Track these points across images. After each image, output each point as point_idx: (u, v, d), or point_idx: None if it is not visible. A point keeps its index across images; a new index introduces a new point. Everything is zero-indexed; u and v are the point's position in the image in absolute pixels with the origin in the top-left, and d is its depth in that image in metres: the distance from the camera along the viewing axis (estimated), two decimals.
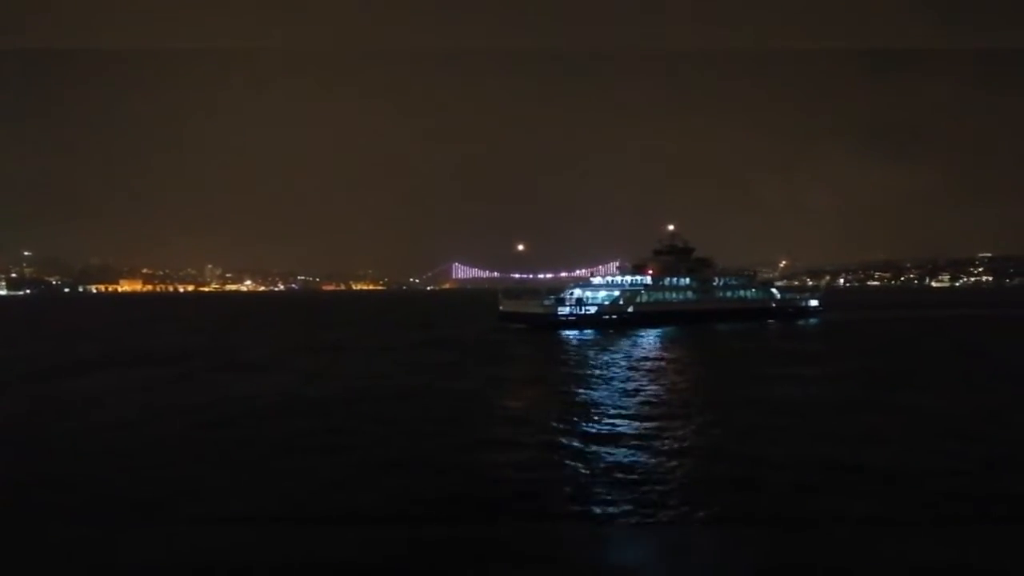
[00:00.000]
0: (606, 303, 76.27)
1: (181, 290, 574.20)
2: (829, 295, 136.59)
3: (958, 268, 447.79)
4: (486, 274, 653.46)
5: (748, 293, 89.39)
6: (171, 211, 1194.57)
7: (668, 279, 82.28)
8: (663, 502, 15.32)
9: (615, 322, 74.56)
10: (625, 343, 56.11)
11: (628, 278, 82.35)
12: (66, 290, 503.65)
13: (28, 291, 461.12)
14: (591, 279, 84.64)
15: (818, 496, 15.68)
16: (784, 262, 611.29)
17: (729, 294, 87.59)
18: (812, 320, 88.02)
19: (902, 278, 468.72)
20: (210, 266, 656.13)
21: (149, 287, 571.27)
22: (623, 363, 41.98)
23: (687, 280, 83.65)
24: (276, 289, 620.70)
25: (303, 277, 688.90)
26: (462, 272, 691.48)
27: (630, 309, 76.90)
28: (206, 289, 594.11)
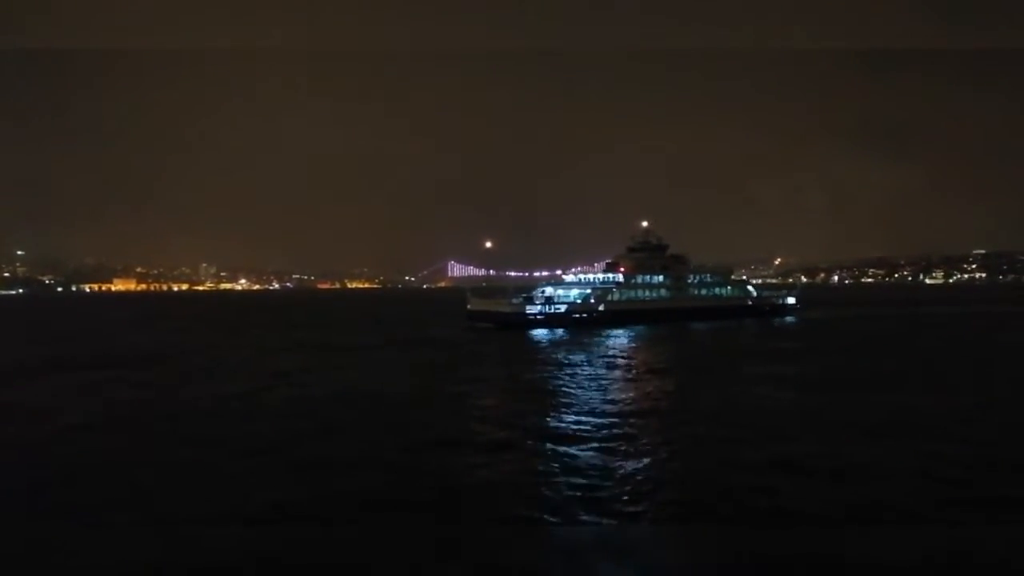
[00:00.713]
0: (577, 301, 74.75)
1: (175, 289, 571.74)
2: (817, 292, 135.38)
3: (952, 265, 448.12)
4: (482, 272, 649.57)
5: (723, 291, 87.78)
6: (167, 210, 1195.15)
7: (640, 277, 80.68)
8: (623, 503, 15.08)
9: (585, 321, 73.00)
10: (595, 343, 54.61)
11: (600, 276, 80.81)
12: (59, 289, 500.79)
13: (20, 291, 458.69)
14: (564, 277, 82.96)
15: (778, 497, 15.32)
16: (779, 259, 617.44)
17: (704, 292, 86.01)
18: (789, 318, 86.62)
19: (896, 275, 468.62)
20: (204, 265, 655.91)
21: (143, 286, 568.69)
22: (590, 364, 40.62)
23: (660, 278, 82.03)
24: (271, 288, 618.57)
25: (298, 276, 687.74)
26: (458, 270, 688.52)
27: (601, 307, 75.36)
28: (201, 288, 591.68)
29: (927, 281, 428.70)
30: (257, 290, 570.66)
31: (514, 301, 72.62)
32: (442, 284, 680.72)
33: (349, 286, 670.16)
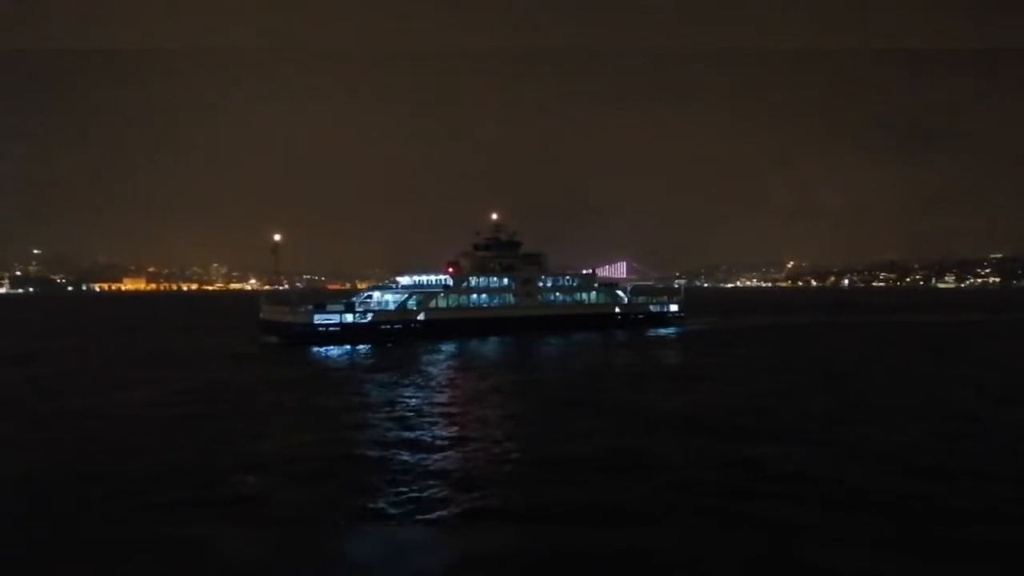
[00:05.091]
0: (389, 308, 64.45)
1: (185, 289, 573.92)
2: (718, 296, 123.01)
3: (966, 269, 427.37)
4: None
5: (587, 296, 76.81)
6: (181, 210, 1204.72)
7: (477, 279, 70.19)
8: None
9: (400, 333, 62.63)
10: (398, 365, 44.75)
11: (427, 277, 70.36)
12: (69, 288, 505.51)
13: (31, 289, 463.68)
14: (398, 279, 72.19)
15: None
16: (791, 263, 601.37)
17: (561, 298, 75.15)
18: (669, 329, 75.58)
19: (908, 279, 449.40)
20: (216, 265, 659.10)
21: (153, 286, 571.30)
22: (368, 399, 31.70)
23: (505, 280, 71.28)
24: (280, 288, 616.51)
25: (309, 276, 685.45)
26: None
27: (421, 316, 65.09)
28: (210, 288, 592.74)
29: (939, 286, 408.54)
30: (267, 290, 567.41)
31: (301, 309, 62.08)
32: None
33: (359, 286, 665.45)
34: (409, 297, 65.75)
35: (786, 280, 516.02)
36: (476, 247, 73.45)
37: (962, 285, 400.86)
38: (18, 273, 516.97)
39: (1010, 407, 29.17)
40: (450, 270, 70.16)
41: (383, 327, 62.43)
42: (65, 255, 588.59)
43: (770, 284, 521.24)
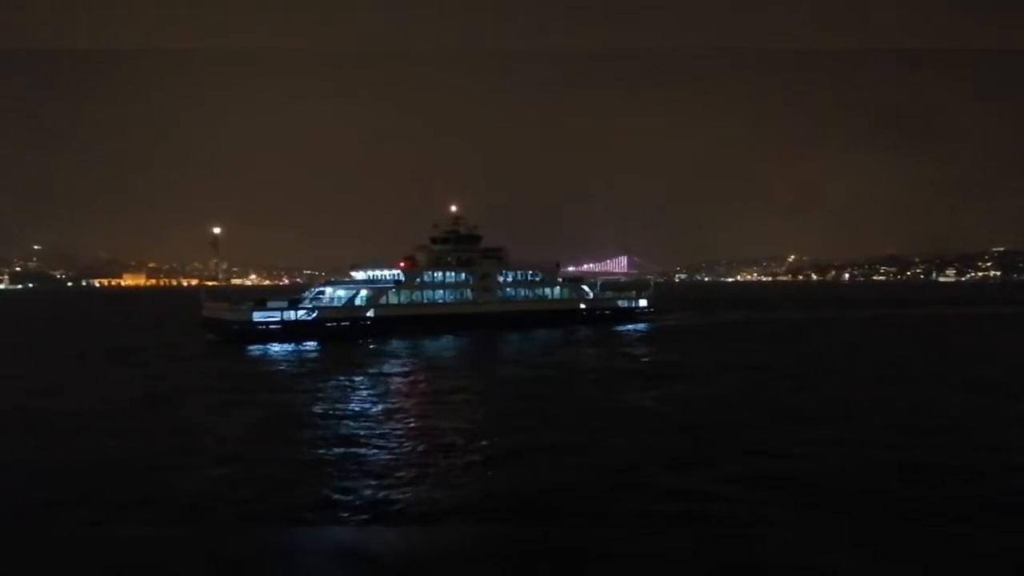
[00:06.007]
0: (336, 304, 61.75)
1: (185, 284, 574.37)
2: (697, 291, 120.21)
3: (967, 263, 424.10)
4: None
5: (550, 292, 73.92)
6: (181, 207, 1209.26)
7: (431, 273, 67.31)
8: None
9: (348, 331, 59.99)
10: (342, 362, 42.70)
11: (381, 272, 67.36)
12: (69, 284, 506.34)
13: (31, 285, 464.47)
14: (352, 273, 69.31)
15: None
16: (792, 257, 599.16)
17: (523, 293, 72.27)
18: (637, 325, 72.80)
19: (908, 273, 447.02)
20: (215, 260, 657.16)
21: (152, 281, 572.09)
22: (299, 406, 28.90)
23: (461, 275, 68.36)
24: (280, 283, 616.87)
25: (309, 272, 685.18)
26: None
27: (371, 313, 62.39)
28: (211, 284, 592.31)
29: (940, 279, 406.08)
30: (266, 285, 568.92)
31: (243, 306, 59.18)
32: None
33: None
34: (357, 293, 63.04)
35: (787, 274, 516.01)
36: (434, 240, 70.24)
37: (963, 279, 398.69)
38: (18, 269, 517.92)
39: (1008, 404, 27.50)
40: (402, 264, 67.19)
41: (329, 324, 59.77)
42: (65, 251, 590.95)
43: (770, 278, 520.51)
